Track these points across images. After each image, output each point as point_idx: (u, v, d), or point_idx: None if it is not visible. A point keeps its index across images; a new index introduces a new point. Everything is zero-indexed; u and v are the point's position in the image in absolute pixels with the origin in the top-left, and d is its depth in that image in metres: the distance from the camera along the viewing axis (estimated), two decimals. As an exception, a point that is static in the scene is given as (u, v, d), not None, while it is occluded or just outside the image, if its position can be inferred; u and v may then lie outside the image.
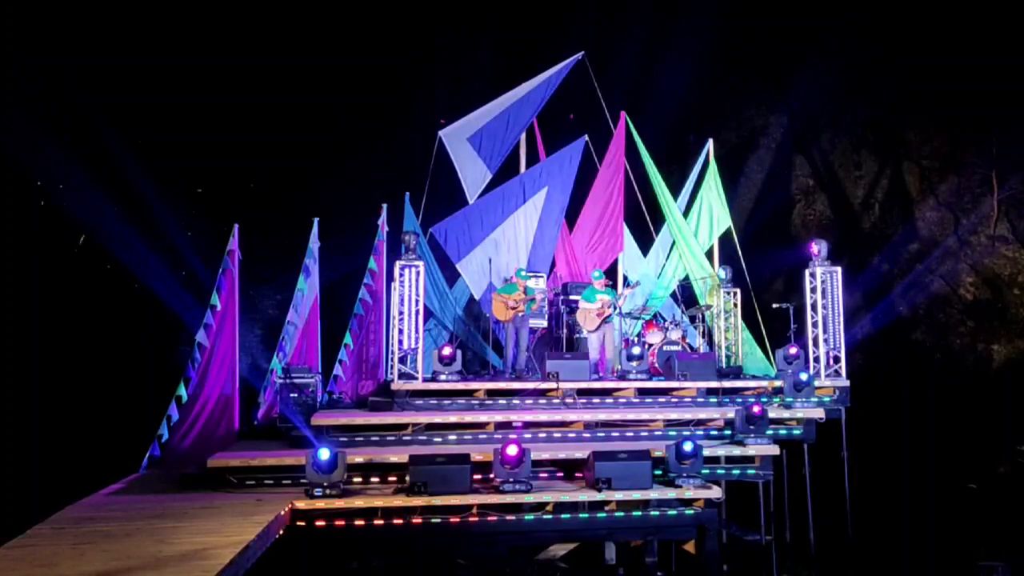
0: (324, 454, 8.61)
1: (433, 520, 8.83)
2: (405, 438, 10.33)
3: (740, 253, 14.56)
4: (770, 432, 10.65)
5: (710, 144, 15.45)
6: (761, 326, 14.10)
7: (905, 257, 18.51)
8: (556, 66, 14.55)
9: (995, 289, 17.70)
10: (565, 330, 13.57)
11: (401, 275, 11.18)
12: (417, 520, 8.80)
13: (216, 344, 11.41)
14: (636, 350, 12.07)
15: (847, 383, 12.17)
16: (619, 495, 9.18)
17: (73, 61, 15.28)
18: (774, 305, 13.70)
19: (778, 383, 11.80)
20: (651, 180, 14.65)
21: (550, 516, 9.17)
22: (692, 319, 14.41)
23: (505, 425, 10.62)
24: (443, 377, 11.08)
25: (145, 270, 14.83)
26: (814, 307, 12.60)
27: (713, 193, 15.24)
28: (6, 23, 14.53)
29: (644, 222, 15.11)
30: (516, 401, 11.14)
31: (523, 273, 12.90)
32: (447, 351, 11.20)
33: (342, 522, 8.64)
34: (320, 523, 8.58)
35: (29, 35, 15.04)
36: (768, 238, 18.20)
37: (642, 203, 14.88)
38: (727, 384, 11.88)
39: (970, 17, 17.14)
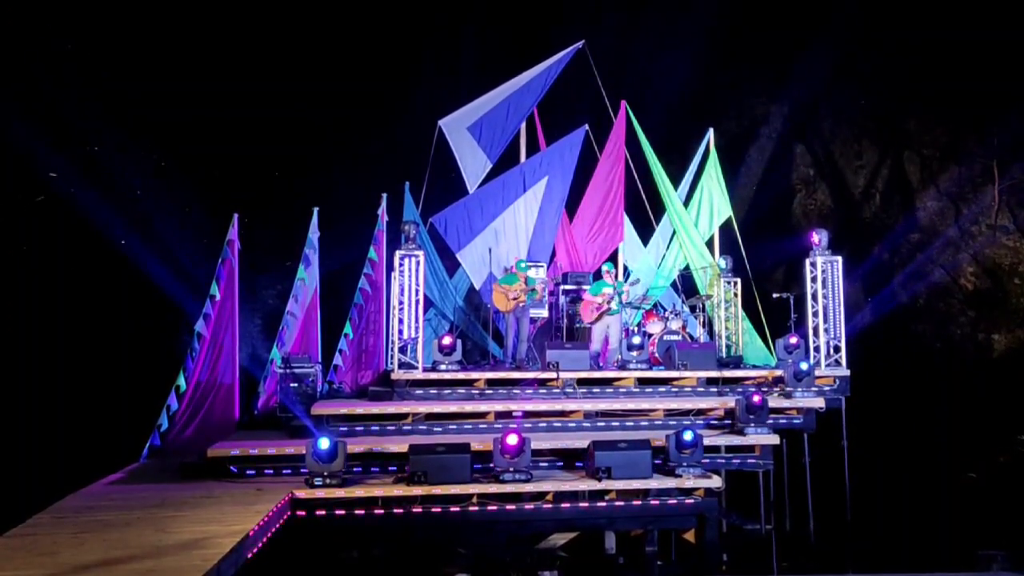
0: (324, 444, 8.61)
1: (433, 509, 8.85)
2: (405, 427, 10.35)
3: (741, 243, 14.54)
4: (770, 421, 10.68)
5: (711, 133, 15.42)
6: (761, 316, 14.08)
7: (906, 247, 18.48)
8: (556, 55, 14.48)
9: (996, 279, 17.67)
10: (565, 320, 13.56)
11: (401, 265, 11.16)
12: (417, 509, 8.82)
13: (216, 334, 11.40)
14: (636, 340, 12.07)
15: (847, 373, 12.17)
16: (619, 484, 9.20)
17: (71, 48, 15.22)
18: (774, 295, 13.68)
19: (778, 373, 11.81)
20: (652, 169, 14.62)
21: (550, 505, 9.20)
22: (692, 309, 14.38)
23: (505, 415, 10.64)
24: (443, 367, 11.08)
25: (145, 259, 14.80)
26: (814, 297, 12.59)
27: (714, 182, 15.21)
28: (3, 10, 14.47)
29: (645, 212, 15.07)
30: (516, 391, 11.15)
31: (523, 264, 12.87)
32: (447, 341, 11.20)
33: (342, 511, 8.66)
34: (320, 512, 8.60)
35: (27, 20, 14.98)
36: (769, 228, 18.15)
37: (642, 193, 14.84)
38: (727, 374, 11.88)
39: (972, 5, 17.05)
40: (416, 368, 10.97)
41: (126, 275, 14.71)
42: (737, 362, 12.99)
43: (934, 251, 18.13)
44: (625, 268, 14.82)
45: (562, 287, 13.75)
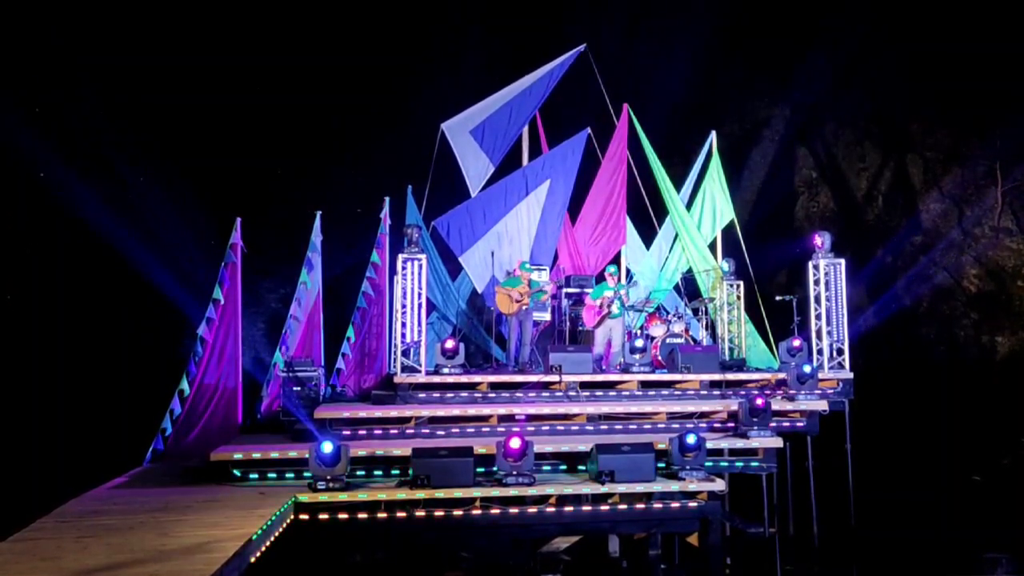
0: (327, 447, 8.62)
1: (436, 513, 8.85)
2: (408, 431, 10.34)
3: (743, 245, 14.52)
4: (773, 424, 10.67)
5: (713, 136, 15.41)
6: (764, 318, 14.06)
7: (909, 249, 18.46)
8: (558, 58, 14.48)
9: (999, 281, 17.64)
10: (568, 323, 13.55)
11: (404, 268, 11.14)
12: (420, 513, 8.82)
13: (218, 338, 11.39)
14: (639, 343, 12.06)
15: (850, 375, 12.15)
16: (622, 488, 9.19)
17: (75, 56, 15.26)
18: (777, 297, 13.65)
19: (781, 375, 11.79)
20: (654, 172, 14.60)
21: (553, 509, 9.20)
22: (695, 312, 14.38)
23: (508, 418, 10.64)
24: (446, 370, 11.06)
25: (148, 264, 14.83)
26: (817, 299, 12.57)
27: (716, 185, 15.20)
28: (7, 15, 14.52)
29: (647, 215, 15.06)
30: (519, 394, 11.11)
31: (527, 266, 12.88)
32: (450, 344, 11.17)
33: (345, 515, 8.67)
34: (323, 516, 8.61)
35: (30, 27, 15.02)
36: (771, 230, 18.16)
37: (645, 196, 14.83)
38: (730, 377, 11.87)
39: (974, 7, 17.04)
40: (419, 372, 10.96)
41: (128, 279, 14.74)
42: (740, 365, 12.97)
43: (937, 253, 18.11)
44: (628, 271, 14.81)
45: (564, 290, 13.75)
